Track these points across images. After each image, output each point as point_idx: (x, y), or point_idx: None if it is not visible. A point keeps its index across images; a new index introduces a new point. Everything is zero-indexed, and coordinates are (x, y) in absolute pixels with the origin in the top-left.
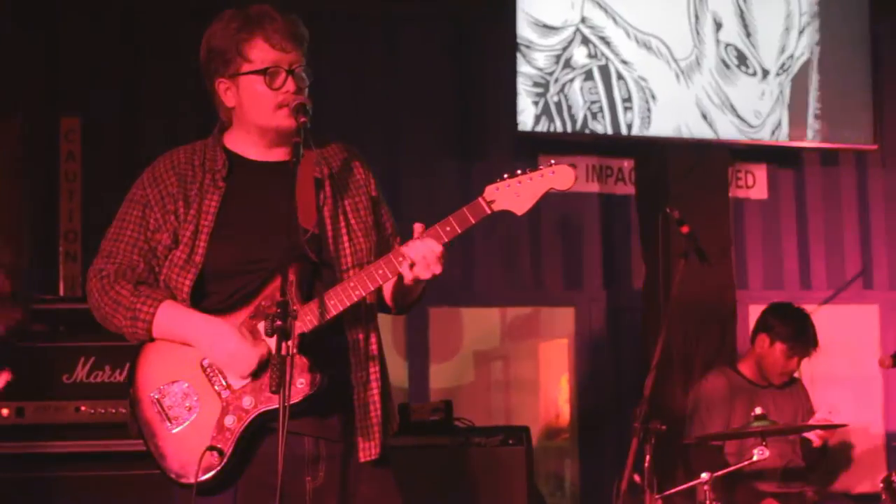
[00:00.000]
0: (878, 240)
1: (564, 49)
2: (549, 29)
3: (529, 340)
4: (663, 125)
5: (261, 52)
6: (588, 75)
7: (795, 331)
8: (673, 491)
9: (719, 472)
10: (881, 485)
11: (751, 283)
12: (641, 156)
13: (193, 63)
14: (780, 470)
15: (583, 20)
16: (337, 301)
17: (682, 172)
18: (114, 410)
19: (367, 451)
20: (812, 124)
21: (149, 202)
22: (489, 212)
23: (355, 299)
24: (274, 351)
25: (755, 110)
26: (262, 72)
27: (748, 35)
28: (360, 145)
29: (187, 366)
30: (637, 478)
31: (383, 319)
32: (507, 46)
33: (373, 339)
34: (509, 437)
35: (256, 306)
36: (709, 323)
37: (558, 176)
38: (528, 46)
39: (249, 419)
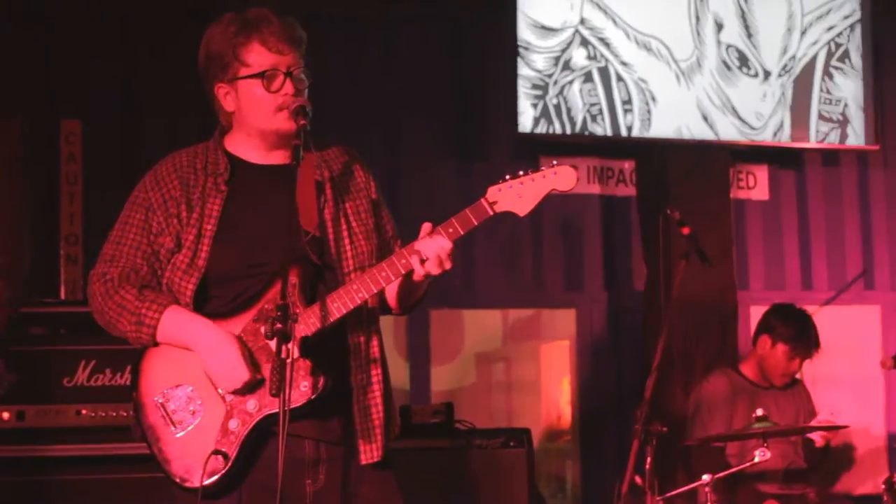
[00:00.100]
0: (879, 240)
1: (563, 51)
2: (548, 30)
3: (530, 342)
4: (663, 127)
5: (258, 56)
6: (587, 77)
7: (797, 332)
8: (674, 493)
9: (720, 474)
10: (883, 486)
11: (752, 284)
12: (642, 157)
13: (194, 65)
14: (782, 471)
15: (582, 21)
16: (340, 304)
17: (683, 173)
18: (115, 414)
19: (369, 453)
20: (815, 126)
21: (151, 205)
22: (492, 213)
23: (358, 302)
24: (274, 354)
25: (757, 112)
26: (261, 75)
27: (749, 36)
28: (360, 147)
29: (191, 370)
30: (638, 479)
31: (384, 321)
32: (506, 48)
33: (374, 342)
34: (510, 440)
35: (259, 309)
36: (710, 324)
37: (560, 177)
38: (526, 48)
39: (254, 423)
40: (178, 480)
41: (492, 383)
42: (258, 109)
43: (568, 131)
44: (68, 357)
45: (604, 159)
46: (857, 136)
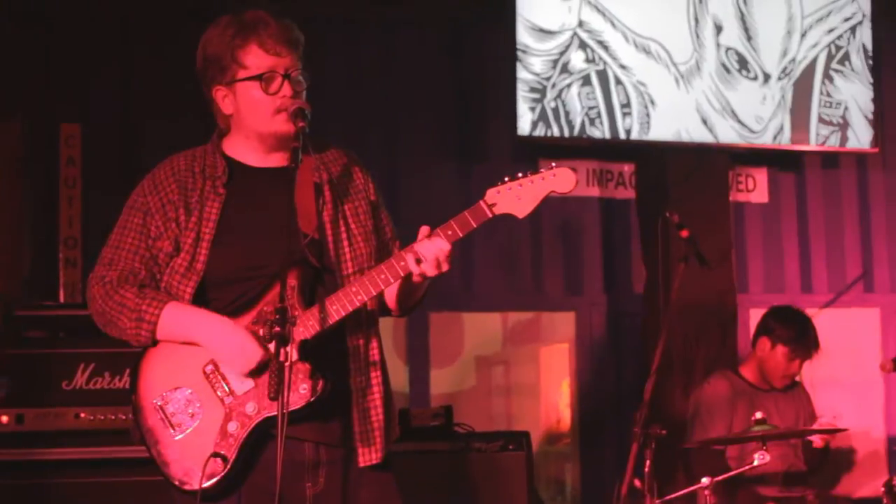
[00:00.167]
0: (878, 243)
1: (561, 54)
2: (546, 33)
3: (530, 345)
4: (662, 131)
5: (256, 58)
6: (586, 80)
7: (796, 333)
8: (673, 496)
9: (720, 477)
10: (882, 489)
11: (751, 287)
12: (642, 160)
13: (193, 67)
14: (782, 474)
15: (580, 24)
16: (339, 306)
17: (683, 176)
18: (113, 417)
19: (367, 456)
20: (815, 129)
21: (149, 209)
22: (490, 215)
23: (357, 304)
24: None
25: (756, 115)
26: (258, 77)
27: (749, 39)
28: (359, 148)
29: (190, 372)
30: (637, 482)
31: (383, 324)
32: (505, 50)
33: (373, 345)
34: (509, 443)
35: (258, 312)
36: (709, 327)
37: (559, 178)
38: (524, 51)
39: (253, 425)
40: (177, 483)
41: (491, 386)
42: (256, 112)
43: (566, 135)
44: (67, 360)
45: (603, 162)
46: (857, 140)
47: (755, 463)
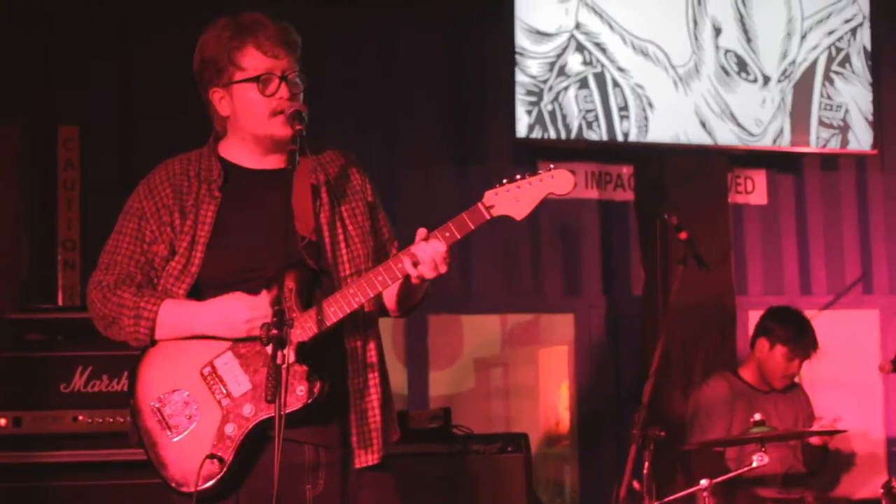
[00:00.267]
0: (877, 244)
1: (558, 56)
2: (543, 35)
3: (529, 347)
4: (661, 134)
5: (253, 60)
6: (583, 83)
7: (795, 333)
8: (672, 497)
9: (718, 479)
10: (881, 490)
11: (750, 289)
12: (640, 162)
13: (192, 70)
14: (781, 476)
15: (577, 26)
16: (336, 308)
17: (682, 178)
18: (111, 420)
19: (365, 457)
20: (815, 132)
21: (144, 214)
22: (488, 217)
23: (355, 306)
24: (270, 359)
25: (756, 118)
26: (256, 79)
27: (748, 41)
28: (358, 150)
29: (187, 374)
30: (636, 484)
31: (382, 326)
32: (503, 52)
33: (371, 347)
34: (508, 445)
35: None
36: (708, 329)
37: (557, 180)
38: (520, 54)
39: (250, 427)
40: (174, 485)
41: (490, 388)
42: (253, 114)
43: (563, 138)
44: (65, 363)
45: (602, 164)
46: (858, 142)
47: (754, 464)
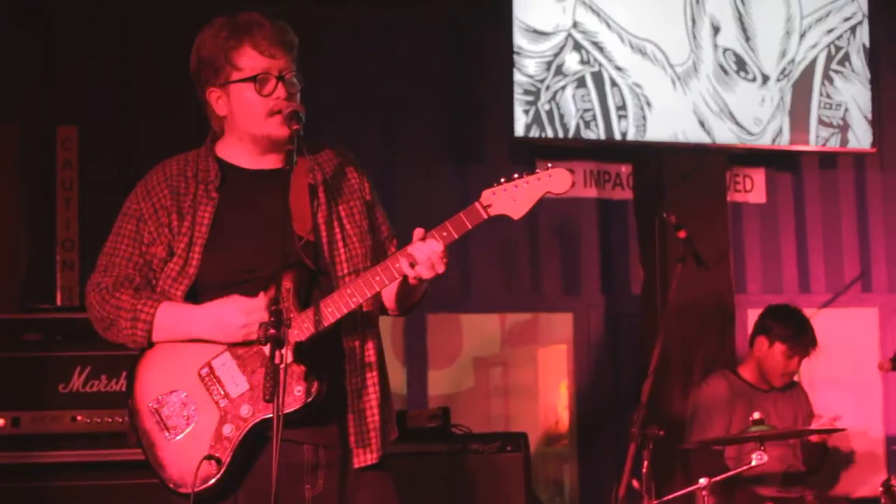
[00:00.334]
0: (876, 243)
1: (556, 55)
2: (540, 34)
3: (528, 346)
4: (659, 133)
5: (250, 60)
6: (580, 82)
7: (793, 331)
8: (671, 496)
9: (717, 478)
10: (881, 488)
11: (749, 288)
12: (639, 161)
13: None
14: (780, 474)
15: (575, 25)
16: (334, 309)
17: (680, 177)
18: (110, 420)
19: (363, 457)
20: (814, 131)
21: (142, 215)
22: (486, 216)
23: (352, 306)
24: (268, 359)
25: (755, 117)
26: (253, 79)
27: (747, 39)
28: (357, 149)
29: (185, 375)
30: (636, 483)
31: (381, 325)
32: (502, 52)
33: (370, 346)
34: (507, 444)
35: None
36: (707, 327)
37: (555, 179)
38: (517, 53)
39: (248, 428)
40: (172, 486)
41: (489, 387)
42: (250, 113)
43: (561, 137)
44: (64, 363)
45: (600, 163)
46: (858, 141)
47: (753, 463)
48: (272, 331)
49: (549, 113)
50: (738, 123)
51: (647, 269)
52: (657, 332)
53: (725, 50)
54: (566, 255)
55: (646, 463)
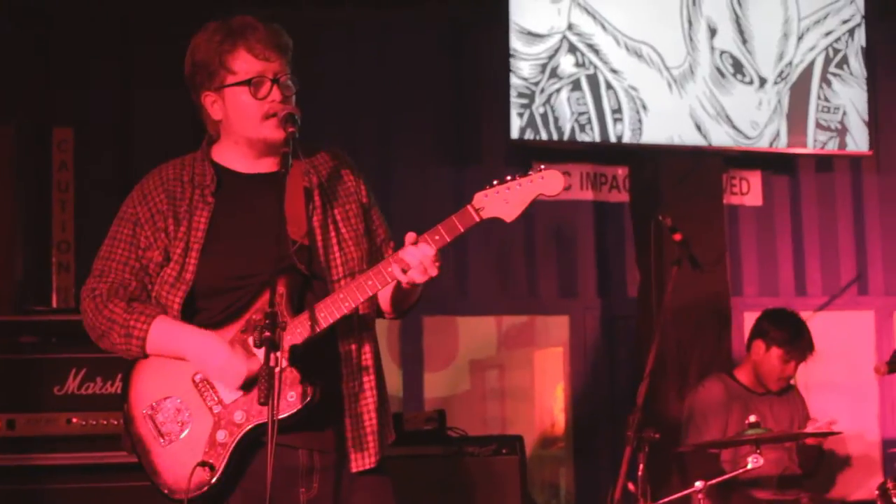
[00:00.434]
0: (873, 245)
1: (550, 58)
2: (535, 37)
3: (524, 349)
4: (655, 137)
5: (244, 63)
6: (575, 85)
7: (791, 335)
8: (667, 499)
9: (713, 481)
10: (877, 492)
11: (745, 290)
12: (635, 163)
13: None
14: (776, 477)
15: (570, 27)
16: (327, 313)
17: (677, 179)
18: (105, 422)
19: (361, 461)
20: (812, 135)
21: (139, 220)
22: (478, 219)
23: (345, 311)
24: (263, 363)
25: (752, 121)
26: (247, 82)
27: (744, 42)
28: (353, 150)
29: (179, 381)
30: (631, 486)
31: (377, 328)
32: (498, 54)
33: (366, 349)
34: (502, 447)
35: (247, 320)
36: (703, 330)
37: (547, 181)
38: (512, 55)
39: (241, 433)
40: (166, 492)
41: (485, 390)
42: (245, 117)
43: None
44: (59, 365)
45: (597, 165)
46: (856, 145)
47: (749, 466)
48: (267, 333)
49: (544, 116)
50: (734, 127)
51: (644, 272)
52: (653, 335)
53: (722, 52)
54: (562, 257)
55: (642, 466)
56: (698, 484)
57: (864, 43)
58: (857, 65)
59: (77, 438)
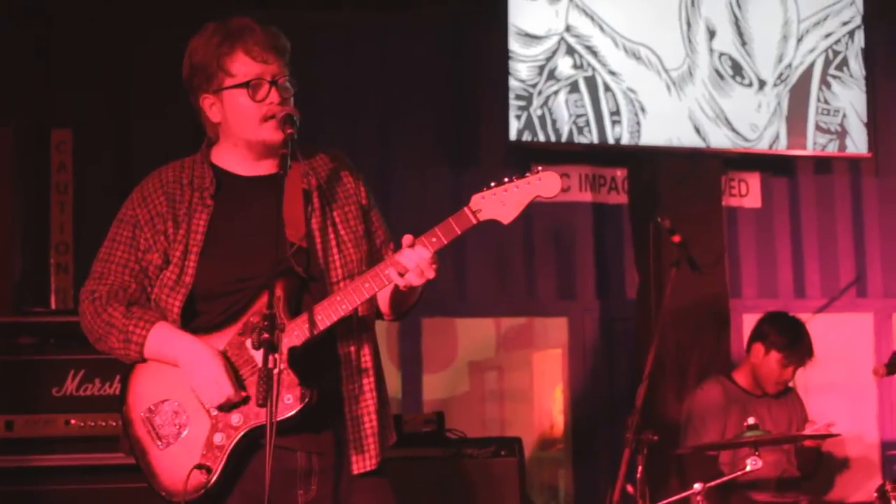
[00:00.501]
0: (871, 247)
1: (548, 59)
2: (532, 38)
3: (523, 350)
4: (654, 139)
5: (242, 66)
6: (573, 87)
7: (790, 340)
8: (666, 501)
9: (712, 483)
10: (876, 494)
11: (744, 292)
12: (634, 165)
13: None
14: (775, 480)
15: (568, 29)
16: (324, 316)
17: (675, 181)
18: (103, 423)
19: (361, 463)
20: (812, 137)
21: (138, 222)
22: (475, 221)
23: (343, 314)
24: (261, 365)
25: (751, 123)
26: (245, 85)
27: (743, 44)
28: (352, 152)
29: (177, 385)
30: (630, 488)
31: (376, 329)
32: (497, 55)
33: (366, 351)
34: (501, 449)
35: (244, 323)
36: (702, 332)
37: (544, 183)
38: (510, 57)
39: (238, 436)
40: (164, 494)
41: (484, 392)
42: (244, 119)
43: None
44: (57, 367)
45: (596, 167)
46: (856, 147)
47: (747, 468)
48: (265, 335)
49: (542, 118)
50: (734, 129)
51: (642, 274)
52: (652, 337)
53: (721, 54)
54: (561, 259)
55: (640, 468)
56: (697, 486)
57: (863, 44)
58: (856, 67)
59: (75, 440)
